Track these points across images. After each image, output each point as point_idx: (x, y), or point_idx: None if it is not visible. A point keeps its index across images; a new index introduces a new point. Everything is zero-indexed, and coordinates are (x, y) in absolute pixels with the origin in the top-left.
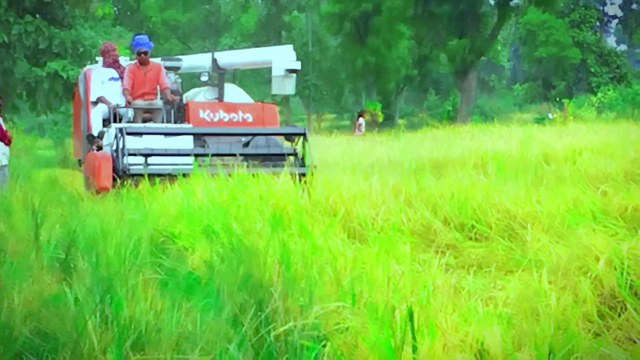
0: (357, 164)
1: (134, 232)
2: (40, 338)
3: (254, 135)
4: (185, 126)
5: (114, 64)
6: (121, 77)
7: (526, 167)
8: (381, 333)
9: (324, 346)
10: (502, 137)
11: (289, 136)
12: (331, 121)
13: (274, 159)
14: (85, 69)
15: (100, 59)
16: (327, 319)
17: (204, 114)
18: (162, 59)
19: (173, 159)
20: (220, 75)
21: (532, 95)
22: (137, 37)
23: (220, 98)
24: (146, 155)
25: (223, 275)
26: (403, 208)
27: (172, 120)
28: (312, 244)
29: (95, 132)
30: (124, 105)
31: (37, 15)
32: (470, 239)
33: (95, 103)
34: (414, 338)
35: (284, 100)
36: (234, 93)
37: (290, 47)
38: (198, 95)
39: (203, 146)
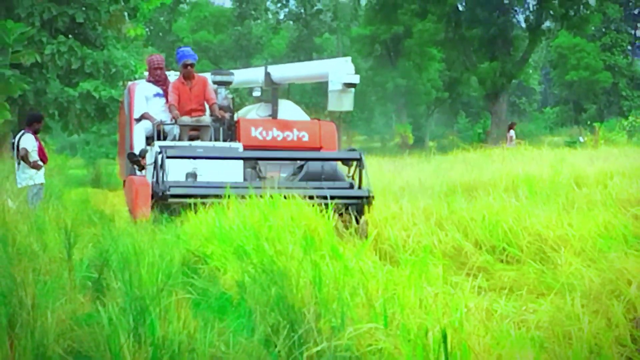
0: (388, 186)
1: (166, 253)
2: (74, 357)
3: (306, 160)
4: (233, 148)
5: (159, 78)
6: (165, 94)
7: (557, 191)
8: (414, 355)
9: None
10: (534, 160)
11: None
12: (361, 143)
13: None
14: (129, 84)
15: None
16: (360, 341)
17: (255, 132)
18: (212, 73)
19: (219, 179)
20: (273, 91)
21: (563, 118)
22: (181, 49)
23: (273, 115)
24: (189, 182)
25: (255, 296)
26: (434, 230)
27: (221, 138)
28: (343, 265)
29: (137, 150)
30: (169, 121)
31: (70, 36)
32: (502, 261)
33: (138, 120)
34: None
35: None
36: (288, 109)
37: (349, 59)
38: (250, 112)
39: (254, 167)
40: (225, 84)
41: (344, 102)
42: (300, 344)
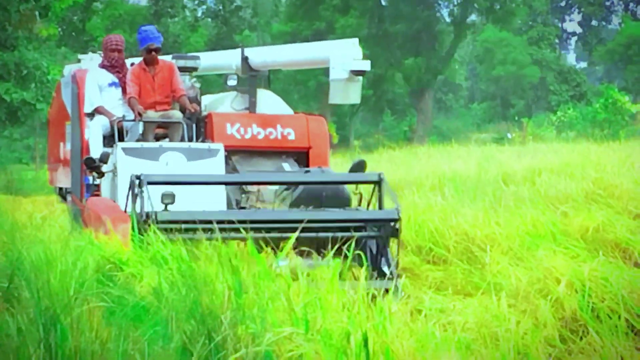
0: None
1: (79, 260)
2: None
3: (314, 183)
4: (212, 149)
5: (116, 64)
6: (122, 83)
7: (484, 189)
8: None
9: None
10: (460, 158)
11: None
12: None
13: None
14: (72, 69)
15: (93, 56)
16: (280, 346)
17: (232, 129)
18: (174, 57)
19: (199, 201)
20: (251, 79)
21: (490, 114)
22: (144, 29)
23: (251, 108)
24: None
25: (172, 303)
26: None
27: (194, 137)
28: (263, 269)
29: (94, 154)
30: (129, 116)
31: None
32: (428, 262)
33: (90, 115)
34: None
35: None
36: (268, 101)
37: (356, 41)
38: (222, 105)
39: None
40: (190, 70)
41: (350, 94)
42: (217, 352)
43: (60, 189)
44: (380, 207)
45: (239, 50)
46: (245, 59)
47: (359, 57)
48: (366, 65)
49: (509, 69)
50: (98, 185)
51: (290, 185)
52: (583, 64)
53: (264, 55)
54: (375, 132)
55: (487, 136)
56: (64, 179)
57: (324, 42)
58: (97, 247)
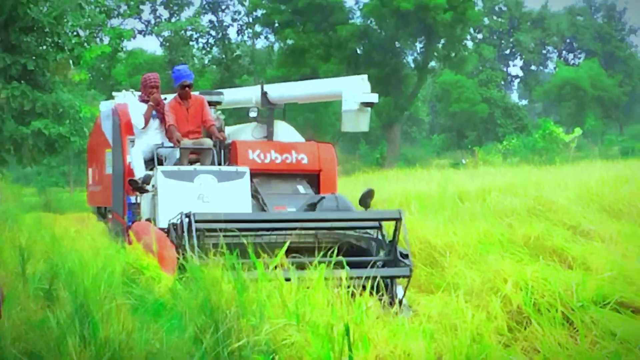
0: None
1: (108, 265)
2: (28, 357)
3: (336, 221)
4: (240, 171)
5: (153, 101)
6: (159, 115)
7: (444, 205)
8: (322, 347)
9: (273, 359)
10: (423, 180)
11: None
12: None
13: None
14: (112, 104)
15: (126, 94)
16: (276, 336)
17: (253, 155)
18: (201, 93)
19: (226, 203)
20: (269, 111)
21: (447, 144)
22: (178, 68)
23: (269, 136)
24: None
25: (185, 301)
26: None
27: (220, 161)
28: (261, 272)
29: (137, 176)
30: (169, 145)
31: (22, 81)
32: None
33: (131, 143)
34: (350, 350)
35: None
36: (284, 131)
37: (365, 77)
38: (244, 133)
39: (256, 198)
40: (215, 103)
41: (360, 123)
42: (224, 340)
43: (99, 208)
44: (394, 242)
45: (258, 86)
46: (264, 94)
47: (367, 91)
48: (374, 98)
49: (463, 106)
50: (138, 204)
51: (318, 222)
52: (524, 102)
53: (281, 91)
54: (353, 159)
55: (445, 162)
56: (103, 199)
57: (337, 79)
58: (122, 255)
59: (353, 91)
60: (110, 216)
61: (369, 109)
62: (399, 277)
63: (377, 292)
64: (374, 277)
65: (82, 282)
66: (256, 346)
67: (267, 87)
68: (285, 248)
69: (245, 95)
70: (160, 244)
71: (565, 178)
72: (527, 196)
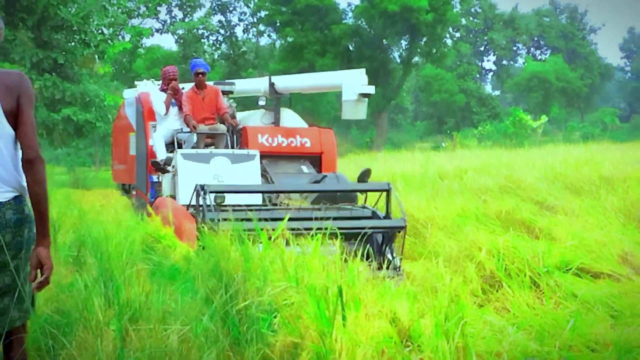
0: None
1: (129, 235)
2: (59, 315)
3: (331, 192)
4: (250, 154)
5: (172, 90)
6: (178, 103)
7: (426, 183)
8: (318, 306)
9: (275, 317)
10: (408, 161)
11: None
12: None
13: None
14: (136, 92)
15: (147, 82)
16: (277, 297)
17: (262, 139)
18: (215, 83)
19: (238, 182)
20: (276, 100)
21: (429, 129)
22: (194, 60)
23: (276, 122)
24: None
25: (198, 266)
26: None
27: (233, 145)
28: (265, 241)
29: (159, 158)
30: (187, 130)
31: (53, 74)
32: None
33: (153, 128)
34: (343, 309)
35: None
36: (289, 117)
37: (363, 71)
38: (253, 120)
39: (264, 177)
40: (227, 93)
41: (358, 111)
42: (232, 300)
43: (123, 184)
44: (387, 210)
45: (267, 77)
46: (272, 85)
47: (365, 83)
48: (371, 89)
49: (443, 96)
50: (160, 182)
51: (315, 192)
52: (497, 92)
53: (287, 82)
54: (345, 142)
55: (427, 145)
56: (127, 176)
57: (338, 72)
58: (142, 226)
59: (352, 83)
60: (134, 192)
61: (367, 99)
62: (395, 228)
63: (367, 258)
64: (371, 243)
65: (106, 250)
66: (260, 306)
67: (275, 79)
68: (286, 220)
69: (255, 85)
70: (179, 217)
71: (532, 159)
72: (499, 175)
